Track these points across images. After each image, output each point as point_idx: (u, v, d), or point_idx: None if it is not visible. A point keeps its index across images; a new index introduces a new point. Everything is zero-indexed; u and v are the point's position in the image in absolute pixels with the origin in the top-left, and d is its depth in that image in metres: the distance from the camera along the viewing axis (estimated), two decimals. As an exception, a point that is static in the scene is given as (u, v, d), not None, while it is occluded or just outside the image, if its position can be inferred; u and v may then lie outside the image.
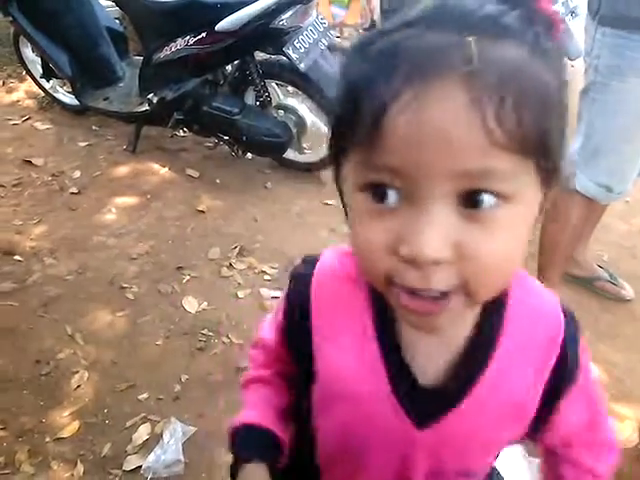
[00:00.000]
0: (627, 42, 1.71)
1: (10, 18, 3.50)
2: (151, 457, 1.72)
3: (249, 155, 3.29)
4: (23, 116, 3.81)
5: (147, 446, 1.77)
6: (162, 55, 3.04)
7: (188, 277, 2.48)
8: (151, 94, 3.19)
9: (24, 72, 3.99)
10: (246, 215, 2.91)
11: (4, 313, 2.26)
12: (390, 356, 0.63)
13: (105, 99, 3.48)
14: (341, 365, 0.65)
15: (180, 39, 2.92)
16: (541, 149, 0.47)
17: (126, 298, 2.36)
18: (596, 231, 2.41)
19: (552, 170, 0.50)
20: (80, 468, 1.71)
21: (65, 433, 1.81)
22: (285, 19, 2.68)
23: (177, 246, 2.69)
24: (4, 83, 4.21)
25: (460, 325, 0.62)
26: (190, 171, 3.25)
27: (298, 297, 0.70)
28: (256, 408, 0.80)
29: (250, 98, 3.12)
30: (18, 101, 4.01)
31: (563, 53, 0.53)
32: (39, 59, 3.74)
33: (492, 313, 0.62)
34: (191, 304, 2.33)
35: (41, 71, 3.76)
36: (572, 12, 3.05)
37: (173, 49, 2.97)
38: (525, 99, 0.45)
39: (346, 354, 0.65)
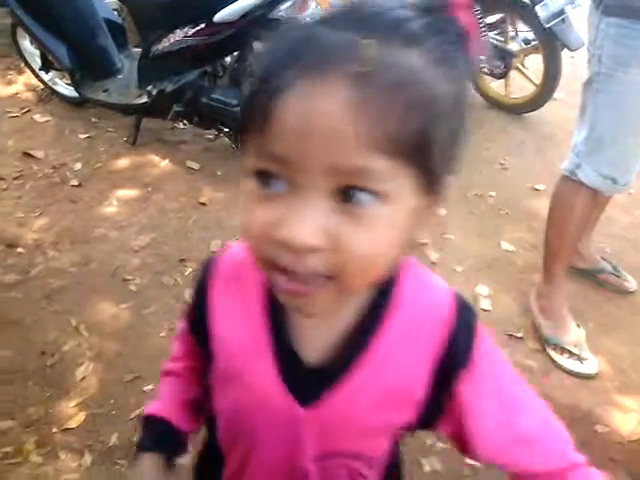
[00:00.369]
0: (630, 32, 1.70)
1: (8, 9, 3.48)
2: (158, 447, 1.72)
3: (249, 147, 3.29)
4: (22, 108, 3.78)
5: (154, 437, 1.78)
6: (161, 47, 3.03)
7: (190, 269, 2.48)
8: (150, 86, 3.18)
9: (23, 64, 3.96)
10: (247, 207, 2.90)
11: (9, 305, 2.27)
12: (278, 336, 0.66)
13: (104, 91, 3.46)
14: (234, 345, 0.69)
15: (179, 30, 2.91)
16: (422, 156, 0.49)
17: (129, 290, 2.36)
18: (599, 223, 2.42)
19: (435, 178, 0.52)
20: (87, 458, 1.72)
21: (72, 423, 1.82)
22: (284, 10, 2.68)
23: (179, 238, 2.68)
24: (3, 75, 4.18)
25: (346, 309, 0.64)
26: (191, 163, 3.23)
27: (202, 281, 0.74)
28: (163, 400, 0.85)
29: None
30: (17, 93, 3.98)
31: (471, 64, 0.54)
32: (38, 51, 3.72)
33: (380, 299, 0.64)
34: (194, 296, 2.33)
35: (40, 63, 3.73)
36: (572, 2, 3.06)
37: (172, 41, 2.95)
38: (409, 107, 0.47)
39: (239, 335, 0.68)
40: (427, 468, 1.69)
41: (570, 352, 2.07)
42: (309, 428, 0.66)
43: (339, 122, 0.45)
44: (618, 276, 2.41)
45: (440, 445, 1.74)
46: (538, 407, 0.72)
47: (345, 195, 0.49)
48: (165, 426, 0.82)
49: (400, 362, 0.65)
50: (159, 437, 0.82)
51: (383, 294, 0.64)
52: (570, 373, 2.04)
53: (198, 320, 0.73)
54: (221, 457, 0.78)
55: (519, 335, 2.18)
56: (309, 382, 0.65)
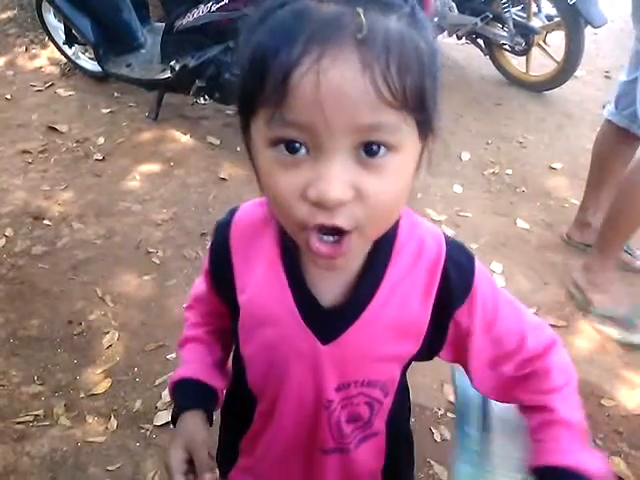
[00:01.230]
0: None
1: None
2: (180, 413, 1.80)
3: (269, 123, 3.31)
4: (46, 82, 3.85)
5: (176, 403, 1.85)
6: (184, 22, 3.04)
7: (211, 243, 2.53)
8: (173, 61, 3.20)
9: (47, 38, 4.01)
10: (267, 183, 2.94)
11: (37, 275, 2.35)
12: (295, 284, 0.73)
13: (127, 66, 3.49)
14: (257, 295, 0.76)
15: (202, 5, 2.92)
16: (419, 105, 0.56)
17: (152, 262, 2.44)
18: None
19: (428, 124, 0.59)
20: (114, 422, 1.81)
21: (98, 389, 1.91)
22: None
23: (200, 213, 2.74)
24: (27, 49, 4.24)
25: (355, 256, 0.69)
26: (211, 139, 3.28)
27: (220, 242, 0.80)
28: (191, 364, 0.92)
29: (271, 66, 3.12)
30: (41, 67, 4.04)
31: (434, 25, 0.62)
32: (62, 25, 3.75)
33: (383, 244, 0.71)
34: (215, 269, 2.39)
35: (64, 37, 3.77)
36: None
37: (195, 16, 2.97)
38: (406, 63, 0.53)
39: (260, 285, 0.75)
40: (437, 437, 1.75)
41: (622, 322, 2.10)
42: (330, 363, 0.74)
43: (354, 85, 0.51)
44: (630, 254, 2.42)
45: (450, 415, 1.81)
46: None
47: (364, 150, 0.55)
48: (199, 386, 0.89)
49: (405, 297, 0.73)
50: (196, 395, 0.89)
51: (387, 238, 0.70)
52: (623, 342, 2.08)
53: (221, 278, 0.81)
54: (251, 398, 0.85)
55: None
56: (327, 322, 0.73)
